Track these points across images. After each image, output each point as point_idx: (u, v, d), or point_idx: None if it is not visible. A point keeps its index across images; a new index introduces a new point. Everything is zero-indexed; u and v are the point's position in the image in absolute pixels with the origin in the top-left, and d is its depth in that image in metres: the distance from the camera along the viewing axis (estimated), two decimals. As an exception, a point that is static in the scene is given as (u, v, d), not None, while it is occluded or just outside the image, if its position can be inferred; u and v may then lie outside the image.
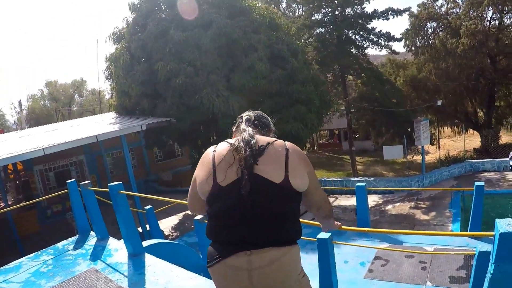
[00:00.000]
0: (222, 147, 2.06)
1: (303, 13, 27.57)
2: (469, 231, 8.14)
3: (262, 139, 2.07)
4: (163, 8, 17.12)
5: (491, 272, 2.32)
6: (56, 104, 53.03)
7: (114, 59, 17.04)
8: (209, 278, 4.24)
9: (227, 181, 1.93)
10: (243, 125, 2.18)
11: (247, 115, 2.30)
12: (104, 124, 16.71)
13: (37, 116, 51.67)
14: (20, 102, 36.49)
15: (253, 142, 1.99)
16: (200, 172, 2.08)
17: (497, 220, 2.37)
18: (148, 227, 11.86)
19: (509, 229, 2.26)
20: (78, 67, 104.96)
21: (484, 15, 28.46)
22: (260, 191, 1.88)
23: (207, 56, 15.02)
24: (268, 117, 2.45)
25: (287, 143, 2.09)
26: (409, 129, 24.19)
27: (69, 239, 6.64)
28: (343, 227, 3.20)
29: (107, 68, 18.17)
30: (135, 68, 15.97)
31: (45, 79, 77.15)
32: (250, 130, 2.10)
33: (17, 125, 52.57)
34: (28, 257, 5.95)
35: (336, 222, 2.66)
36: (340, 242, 6.44)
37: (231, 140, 2.08)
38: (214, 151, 2.08)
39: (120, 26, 17.86)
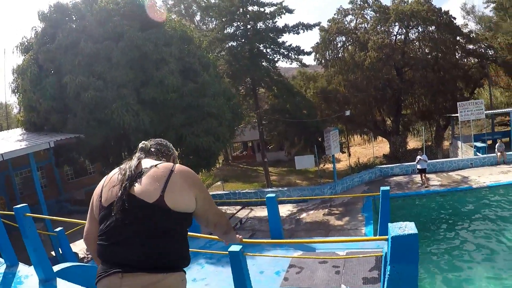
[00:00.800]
0: (113, 171, 2.15)
1: (216, 26, 27.88)
2: (378, 234, 8.62)
3: (148, 163, 2.13)
4: (74, 18, 16.70)
5: (388, 273, 2.55)
6: (-43, 117, 49.52)
7: (21, 71, 16.37)
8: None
9: (108, 202, 1.98)
10: (136, 153, 2.26)
11: (143, 143, 2.38)
12: (11, 141, 15.92)
13: None
14: None
15: (134, 165, 2.07)
16: (94, 194, 2.17)
17: (389, 224, 2.61)
18: (61, 251, 11.49)
19: (400, 232, 2.49)
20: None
21: (391, 30, 30.60)
22: (131, 210, 1.88)
23: (118, 69, 14.86)
24: (169, 144, 2.54)
25: (177, 166, 2.10)
26: (320, 139, 24.99)
27: None
28: (244, 239, 3.51)
29: (14, 81, 17.33)
30: (44, 81, 15.42)
31: None
32: (138, 155, 2.23)
33: None
34: None
35: (237, 236, 2.80)
36: (252, 254, 6.69)
37: (122, 165, 2.13)
38: (108, 175, 2.17)
39: (29, 36, 17.19)
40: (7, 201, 20.31)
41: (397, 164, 22.23)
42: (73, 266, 6.60)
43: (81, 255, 14.08)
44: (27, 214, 5.19)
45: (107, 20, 15.55)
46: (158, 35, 15.79)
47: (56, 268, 5.83)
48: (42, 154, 18.63)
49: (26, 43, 17.10)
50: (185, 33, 17.53)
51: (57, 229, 10.61)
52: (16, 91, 17.60)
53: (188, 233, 2.21)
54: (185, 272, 2.08)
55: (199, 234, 4.94)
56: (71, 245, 11.37)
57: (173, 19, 18.88)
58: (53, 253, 12.67)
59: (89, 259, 14.18)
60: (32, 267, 5.72)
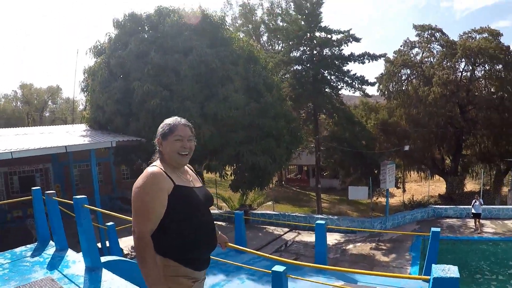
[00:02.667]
0: None
1: (282, 49, 28.05)
2: (424, 275, 8.34)
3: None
4: (146, 29, 17.36)
5: (426, 315, 2.56)
6: (28, 108, 52.28)
7: (92, 72, 17.21)
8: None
9: None
10: None
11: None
12: (75, 135, 16.66)
13: (7, 116, 50.73)
14: (-9, 102, 35.86)
15: None
16: None
17: (433, 265, 2.59)
18: (107, 244, 11.82)
19: (442, 274, 2.47)
20: (55, 74, 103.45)
21: (457, 66, 29.59)
22: None
23: (184, 82, 15.22)
24: (157, 134, 2.53)
25: (145, 170, 2.36)
26: (376, 171, 24.55)
27: (28, 245, 6.63)
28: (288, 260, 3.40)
29: (84, 80, 18.26)
30: (112, 84, 16.10)
31: (20, 81, 75.90)
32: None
33: (-14, 124, 51.55)
34: None
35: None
36: (295, 277, 6.60)
37: None
38: None
39: (102, 40, 18.07)
40: (62, 190, 21.10)
41: (452, 206, 21.36)
42: (120, 260, 6.87)
43: (125, 251, 14.38)
44: (85, 205, 5.38)
45: (178, 34, 16.01)
46: (226, 53, 16.05)
47: (103, 259, 6.04)
48: (102, 151, 19.30)
49: (99, 47, 17.98)
50: (252, 53, 17.76)
51: (109, 223, 10.97)
52: (85, 90, 18.52)
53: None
54: (173, 259, 2.32)
55: (246, 249, 4.92)
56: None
57: (241, 38, 19.18)
58: (99, 245, 13.00)
59: (132, 256, 14.50)
60: (80, 254, 5.88)
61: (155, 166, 2.37)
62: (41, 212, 6.59)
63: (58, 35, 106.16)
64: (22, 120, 48.22)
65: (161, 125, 2.50)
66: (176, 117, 2.53)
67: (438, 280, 2.46)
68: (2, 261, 5.91)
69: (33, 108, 52.54)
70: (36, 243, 6.73)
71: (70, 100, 52.86)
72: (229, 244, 3.51)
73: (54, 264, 5.71)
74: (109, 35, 17.63)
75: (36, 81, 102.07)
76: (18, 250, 6.42)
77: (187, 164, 2.67)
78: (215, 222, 2.65)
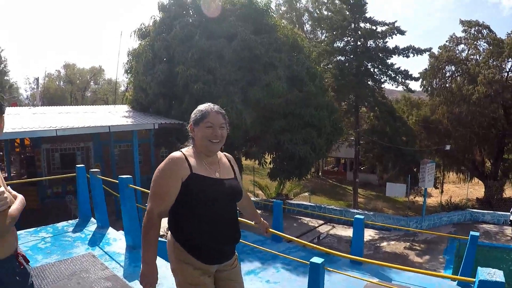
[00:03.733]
0: None
1: (326, 39, 27.77)
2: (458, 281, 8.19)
3: None
4: (191, 13, 17.38)
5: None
6: (71, 87, 53.53)
7: (136, 54, 17.36)
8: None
9: None
10: None
11: None
12: (117, 116, 16.92)
13: (50, 95, 52.11)
14: (37, 80, 36.73)
15: None
16: None
17: (479, 267, 2.55)
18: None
19: (488, 278, 2.44)
20: (98, 55, 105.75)
21: (503, 66, 28.53)
22: None
23: (228, 67, 15.22)
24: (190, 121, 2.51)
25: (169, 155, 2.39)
26: (415, 169, 24.06)
27: (69, 221, 6.80)
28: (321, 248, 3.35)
29: (128, 62, 18.45)
30: (156, 67, 16.21)
31: (64, 61, 77.73)
32: None
33: (30, 100, 52.98)
34: (27, 231, 6.11)
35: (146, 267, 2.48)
36: (331, 269, 6.54)
37: None
38: None
39: (147, 23, 18.19)
40: (102, 169, 21.50)
41: (490, 211, 20.71)
42: (160, 241, 6.81)
43: (162, 232, 14.56)
44: (130, 185, 5.48)
45: (223, 19, 15.97)
46: (270, 40, 15.96)
47: None
48: (143, 133, 19.56)
49: (144, 30, 18.12)
50: (296, 41, 17.59)
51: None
52: (129, 71, 18.70)
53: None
54: (180, 244, 2.39)
55: (289, 236, 4.84)
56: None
57: (286, 26, 19.00)
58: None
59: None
60: (120, 232, 6.03)
61: (179, 152, 2.40)
62: (84, 189, 6.76)
63: (102, 16, 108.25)
64: (65, 99, 49.40)
65: (194, 111, 2.47)
66: (209, 103, 2.49)
67: (484, 283, 2.44)
68: (44, 234, 6.07)
69: (75, 87, 53.78)
70: (77, 219, 6.89)
71: (112, 81, 53.87)
72: (271, 230, 3.41)
73: (95, 240, 5.85)
74: (154, 18, 17.73)
75: (79, 61, 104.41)
76: (60, 225, 6.59)
77: (226, 154, 2.68)
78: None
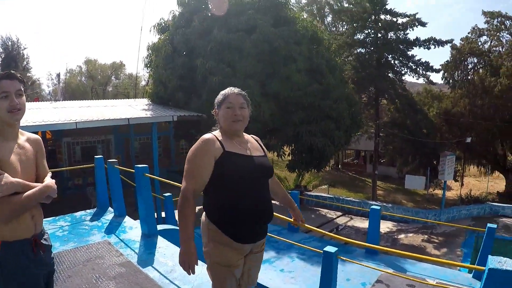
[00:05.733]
0: None
1: (346, 31, 27.60)
2: (474, 271, 8.15)
3: None
4: (210, 7, 17.42)
5: (479, 307, 2.49)
6: (92, 82, 54.02)
7: (156, 48, 17.49)
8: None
9: None
10: None
11: None
12: (137, 109, 17.07)
13: (72, 90, 52.72)
14: (58, 75, 37.15)
15: None
16: None
17: (489, 256, 2.54)
18: (163, 214, 12.13)
19: (498, 266, 2.42)
20: (118, 50, 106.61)
21: (527, 58, 28.03)
22: None
23: (247, 60, 15.20)
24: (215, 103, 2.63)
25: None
26: (435, 162, 23.88)
27: (87, 210, 6.94)
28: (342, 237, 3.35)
29: (148, 56, 18.60)
30: (176, 60, 16.34)
31: (85, 57, 78.53)
32: None
33: (52, 95, 53.75)
34: (46, 220, 6.16)
35: (186, 251, 2.44)
36: (345, 259, 6.53)
37: None
38: None
39: (166, 18, 18.32)
40: (122, 161, 21.74)
41: (510, 205, 20.25)
42: (175, 229, 7.03)
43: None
44: (146, 174, 5.53)
45: (242, 12, 15.96)
46: (290, 32, 15.88)
47: (159, 227, 6.29)
48: (163, 125, 19.74)
49: (163, 24, 18.27)
50: (315, 33, 17.46)
51: (166, 194, 11.31)
52: (148, 65, 18.88)
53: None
54: (214, 223, 2.43)
55: (312, 227, 4.88)
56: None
57: (305, 18, 18.93)
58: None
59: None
60: (136, 221, 6.10)
61: (210, 133, 2.50)
62: (102, 179, 6.87)
63: (122, 12, 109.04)
64: (86, 94, 49.90)
65: (217, 96, 2.61)
66: (231, 87, 2.61)
67: (494, 272, 2.42)
68: (62, 223, 6.20)
69: (97, 82, 54.19)
70: (95, 209, 7.00)
71: (133, 76, 54.23)
72: (305, 224, 3.42)
73: (112, 229, 5.95)
74: (173, 13, 17.84)
75: (100, 57, 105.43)
76: (78, 214, 6.72)
77: (253, 136, 2.78)
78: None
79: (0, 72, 2.21)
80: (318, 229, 4.59)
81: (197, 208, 2.42)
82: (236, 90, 2.57)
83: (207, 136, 2.44)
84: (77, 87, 54.61)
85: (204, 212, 2.52)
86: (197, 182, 2.37)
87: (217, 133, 2.52)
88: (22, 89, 2.27)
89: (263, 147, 2.76)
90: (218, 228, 2.40)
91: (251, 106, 2.63)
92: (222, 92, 2.58)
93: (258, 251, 2.64)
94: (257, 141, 2.75)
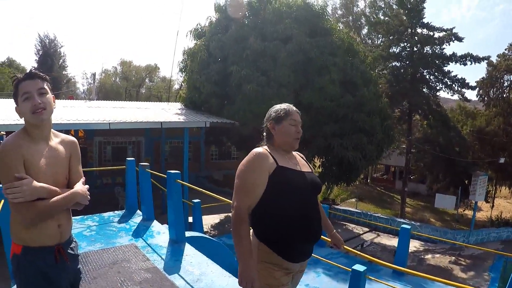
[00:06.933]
0: None
1: (382, 44, 27.40)
2: None
3: None
4: (247, 14, 17.47)
5: None
6: (126, 83, 54.91)
7: (192, 53, 17.63)
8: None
9: None
10: None
11: None
12: (170, 112, 17.22)
13: (106, 90, 53.71)
14: (94, 75, 38.04)
15: None
16: None
17: None
18: (190, 220, 12.15)
19: None
20: (154, 53, 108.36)
21: None
22: None
23: (282, 69, 15.18)
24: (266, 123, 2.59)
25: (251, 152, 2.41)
26: (466, 181, 23.43)
27: (116, 212, 7.01)
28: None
29: (183, 61, 18.77)
30: (211, 66, 16.41)
31: (120, 58, 80.00)
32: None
33: (86, 94, 54.94)
34: (74, 218, 6.26)
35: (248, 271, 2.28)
36: (373, 278, 6.44)
37: None
38: None
39: (203, 23, 18.43)
40: (152, 164, 21.95)
41: (542, 230, 19.85)
42: (203, 237, 7.04)
43: (205, 229, 14.75)
44: (178, 180, 5.52)
45: (279, 21, 15.96)
46: (325, 43, 15.84)
47: (188, 234, 6.18)
48: (194, 131, 19.88)
49: (200, 30, 18.35)
50: (351, 45, 17.36)
51: (195, 200, 11.27)
52: (183, 70, 19.06)
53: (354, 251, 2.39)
54: (265, 244, 2.36)
55: (353, 250, 4.82)
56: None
57: (342, 29, 18.84)
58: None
59: (211, 235, 14.77)
60: (164, 225, 6.11)
61: (261, 147, 2.43)
62: (132, 181, 6.91)
63: (160, 16, 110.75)
64: (120, 95, 50.68)
65: (274, 109, 2.55)
66: (287, 103, 2.58)
67: None
68: (90, 223, 6.26)
69: (130, 84, 55.05)
70: (123, 210, 7.06)
71: (167, 79, 54.93)
72: (345, 246, 3.37)
73: (139, 232, 5.95)
74: (210, 19, 17.98)
75: (135, 59, 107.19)
76: (106, 215, 6.76)
77: (298, 153, 2.71)
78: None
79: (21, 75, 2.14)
80: (355, 251, 4.52)
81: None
82: (295, 108, 2.55)
83: (259, 150, 2.39)
84: (111, 87, 55.61)
85: (252, 232, 2.43)
86: (251, 199, 2.30)
87: (267, 147, 2.47)
88: (46, 87, 2.16)
89: (309, 163, 2.72)
90: (269, 248, 2.34)
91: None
92: (281, 106, 2.53)
93: (303, 270, 2.60)
94: (302, 157, 2.71)
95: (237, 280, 2.26)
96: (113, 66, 59.12)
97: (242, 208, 2.28)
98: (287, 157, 2.49)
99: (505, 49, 29.68)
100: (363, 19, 34.22)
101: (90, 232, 5.84)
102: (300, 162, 2.59)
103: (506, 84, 29.71)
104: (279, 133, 2.48)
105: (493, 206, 29.02)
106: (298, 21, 16.17)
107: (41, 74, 2.16)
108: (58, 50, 48.85)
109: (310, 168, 2.66)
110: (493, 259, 16.05)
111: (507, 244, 18.33)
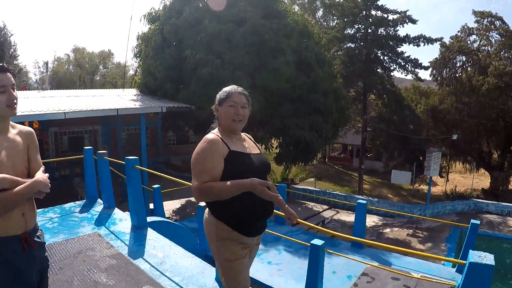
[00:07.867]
0: None
1: (336, 25, 27.66)
2: (458, 265, 8.30)
3: None
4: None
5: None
6: (80, 71, 53.61)
7: (146, 38, 17.38)
8: (204, 261, 4.54)
9: None
10: None
11: None
12: (126, 99, 16.99)
13: (59, 79, 52.23)
14: (46, 64, 36.97)
15: None
16: None
17: (470, 250, 2.61)
18: (151, 206, 12.14)
19: (478, 260, 2.49)
20: (107, 38, 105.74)
21: (515, 58, 28.29)
22: None
23: (236, 52, 15.15)
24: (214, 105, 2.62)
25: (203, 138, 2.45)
26: (421, 158, 24.07)
27: (76, 202, 6.94)
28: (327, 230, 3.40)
29: (138, 46, 18.43)
30: (165, 51, 16.21)
31: (73, 45, 77.87)
32: None
33: (39, 84, 53.26)
34: None
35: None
36: (332, 252, 6.64)
37: None
38: None
39: (157, 7, 18.16)
40: (109, 152, 21.60)
41: (494, 202, 20.44)
42: (164, 221, 7.22)
43: (167, 215, 14.70)
44: (136, 166, 5.55)
45: (233, 4, 15.86)
46: (280, 25, 15.83)
47: (149, 219, 6.26)
48: (151, 116, 19.66)
49: (154, 14, 18.04)
50: (305, 27, 17.46)
51: (155, 186, 11.30)
52: (138, 55, 18.71)
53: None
54: (224, 223, 2.46)
55: (302, 221, 4.94)
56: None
57: (296, 12, 18.94)
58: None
59: (173, 219, 14.78)
60: (126, 212, 6.15)
61: (212, 133, 2.48)
62: (91, 171, 6.87)
63: (113, 0, 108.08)
64: (73, 83, 49.55)
65: (219, 92, 2.59)
66: (234, 85, 2.61)
67: (474, 266, 2.50)
68: (52, 215, 6.21)
69: (84, 71, 53.76)
70: (84, 200, 7.02)
71: (121, 65, 53.97)
72: (298, 219, 3.47)
73: (101, 220, 5.97)
74: (164, 3, 17.68)
75: (88, 45, 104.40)
76: (67, 206, 6.72)
77: (246, 134, 2.78)
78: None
79: None
80: (306, 222, 4.64)
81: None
82: (239, 89, 2.58)
83: (210, 136, 2.43)
84: (64, 75, 54.16)
85: (208, 212, 2.56)
86: (209, 175, 2.30)
87: (217, 132, 2.52)
88: (14, 82, 2.22)
89: (258, 145, 2.81)
90: (227, 225, 2.44)
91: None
92: (225, 89, 2.57)
93: (258, 243, 2.73)
94: (250, 139, 2.79)
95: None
96: (65, 54, 57.39)
97: (202, 182, 2.28)
98: (235, 139, 2.55)
99: (458, 31, 30.51)
100: (318, 1, 34.36)
101: (53, 224, 5.80)
102: (249, 144, 2.68)
103: (458, 64, 30.49)
104: (221, 116, 2.54)
105: (447, 180, 29.93)
106: (252, 3, 16.11)
107: (11, 68, 2.21)
108: (8, 39, 47.03)
109: (259, 149, 2.75)
110: (449, 231, 16.52)
111: (462, 216, 18.87)
